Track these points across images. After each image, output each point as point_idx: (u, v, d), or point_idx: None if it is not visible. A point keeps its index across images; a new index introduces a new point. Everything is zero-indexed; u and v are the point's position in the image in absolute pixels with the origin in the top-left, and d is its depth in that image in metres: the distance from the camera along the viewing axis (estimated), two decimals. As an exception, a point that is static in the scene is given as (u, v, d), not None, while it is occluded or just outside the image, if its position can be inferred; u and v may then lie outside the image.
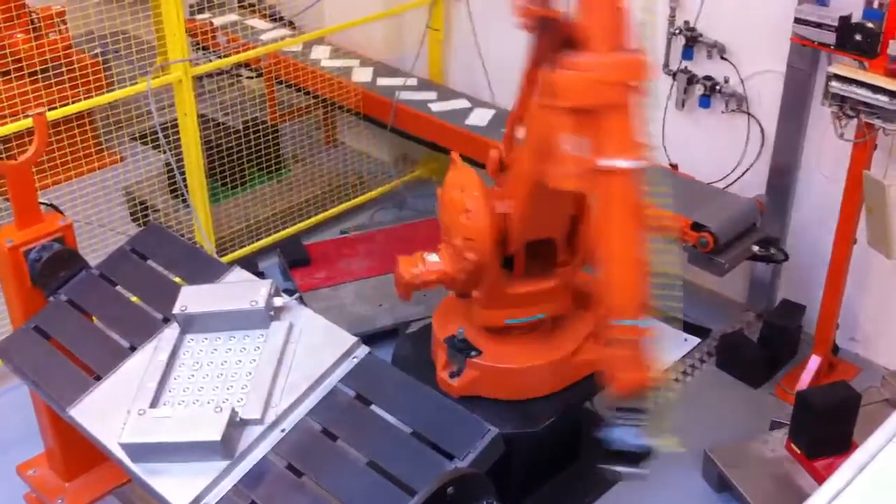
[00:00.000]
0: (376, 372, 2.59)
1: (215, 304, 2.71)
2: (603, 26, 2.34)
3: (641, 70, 2.36)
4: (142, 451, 2.43)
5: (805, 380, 4.01)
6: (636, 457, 2.58)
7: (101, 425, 2.57)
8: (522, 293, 3.21)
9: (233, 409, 2.41)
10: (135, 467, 2.44)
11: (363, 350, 2.62)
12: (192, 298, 2.72)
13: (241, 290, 2.75)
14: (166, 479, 2.40)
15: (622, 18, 2.36)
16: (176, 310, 2.69)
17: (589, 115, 2.34)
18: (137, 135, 5.46)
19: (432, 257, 3.18)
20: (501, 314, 3.25)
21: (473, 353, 3.26)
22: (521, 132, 3.11)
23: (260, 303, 2.66)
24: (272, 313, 2.69)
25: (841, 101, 3.57)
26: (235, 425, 2.41)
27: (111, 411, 2.57)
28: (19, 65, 4.91)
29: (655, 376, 2.54)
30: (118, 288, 3.00)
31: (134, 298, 2.99)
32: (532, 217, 3.07)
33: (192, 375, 2.61)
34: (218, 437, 2.35)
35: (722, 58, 4.20)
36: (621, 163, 2.36)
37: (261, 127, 5.11)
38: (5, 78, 4.81)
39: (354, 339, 2.63)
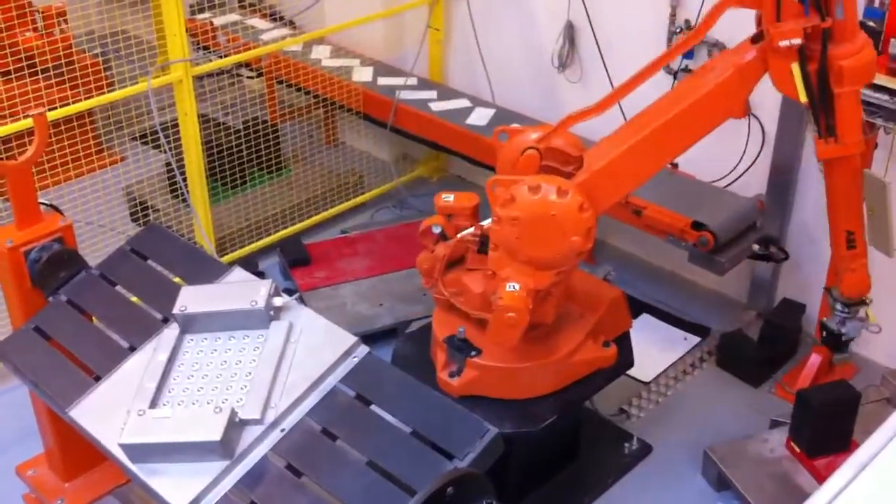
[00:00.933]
0: (376, 372, 2.59)
1: (215, 305, 2.71)
2: (856, 17, 2.92)
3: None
4: (141, 452, 2.43)
5: (805, 379, 4.00)
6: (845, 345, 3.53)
7: (100, 426, 2.57)
8: None
9: (232, 410, 2.41)
10: (134, 468, 2.44)
11: (363, 350, 2.62)
12: (192, 298, 2.72)
13: (240, 290, 2.75)
14: (165, 480, 2.40)
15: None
16: (176, 310, 2.69)
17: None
18: (138, 135, 5.46)
19: (513, 287, 3.05)
20: None
21: (473, 352, 3.25)
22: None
23: (260, 303, 2.65)
24: (272, 313, 2.68)
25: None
26: (235, 425, 2.41)
27: (111, 412, 2.57)
28: (20, 64, 4.92)
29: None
30: (118, 288, 3.00)
31: (134, 298, 2.99)
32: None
33: (192, 376, 2.61)
34: (217, 438, 2.35)
35: (717, 46, 4.20)
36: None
37: (261, 127, 5.11)
38: (5, 78, 4.82)
39: (354, 338, 2.63)
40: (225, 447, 2.37)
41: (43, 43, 5.06)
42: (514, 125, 3.42)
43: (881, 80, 3.42)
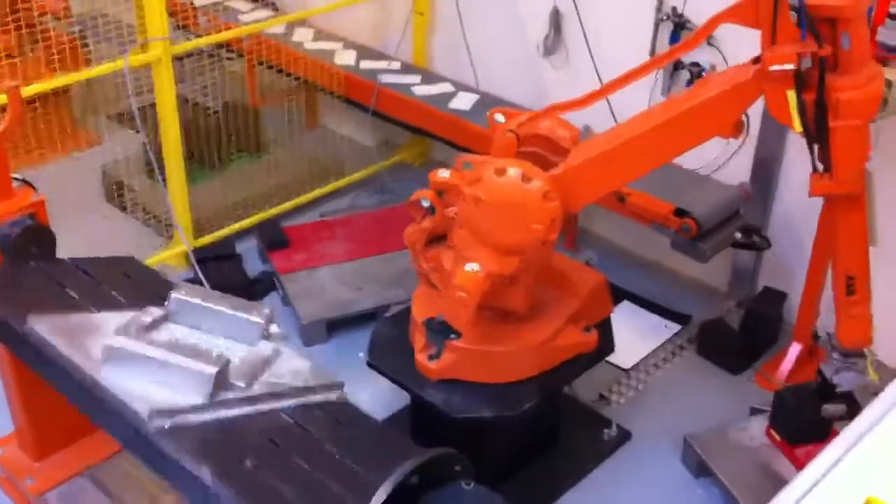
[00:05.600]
0: (353, 416, 2.53)
1: (212, 303, 2.63)
2: (866, 47, 2.78)
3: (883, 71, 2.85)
4: (122, 358, 2.38)
5: (785, 367, 4.00)
6: (850, 399, 3.25)
7: (65, 341, 2.51)
8: None
9: (228, 360, 2.38)
10: (103, 369, 2.38)
11: (344, 393, 2.57)
12: (190, 291, 2.66)
13: (241, 303, 2.66)
14: (133, 389, 2.36)
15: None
16: (171, 294, 2.61)
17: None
18: (115, 115, 5.39)
19: (472, 266, 3.02)
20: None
21: (452, 335, 3.21)
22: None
23: (257, 319, 2.58)
24: (265, 333, 2.61)
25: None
26: (226, 375, 2.38)
27: (81, 336, 2.51)
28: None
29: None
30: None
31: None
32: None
33: (178, 339, 2.55)
34: (213, 371, 2.31)
35: (709, 44, 4.18)
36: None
37: (241, 109, 5.04)
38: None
39: (340, 380, 2.58)
40: (214, 386, 2.34)
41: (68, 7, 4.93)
42: (511, 108, 3.38)
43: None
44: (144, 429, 2.29)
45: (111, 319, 2.63)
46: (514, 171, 2.96)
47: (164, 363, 2.37)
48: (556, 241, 3.07)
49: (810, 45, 2.69)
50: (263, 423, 2.37)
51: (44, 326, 2.61)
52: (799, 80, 2.72)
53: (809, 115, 2.77)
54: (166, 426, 2.30)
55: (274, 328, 2.63)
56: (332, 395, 2.54)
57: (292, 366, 2.56)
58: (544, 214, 2.96)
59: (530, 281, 3.23)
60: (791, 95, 2.75)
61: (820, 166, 2.89)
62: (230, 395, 2.41)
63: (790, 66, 2.71)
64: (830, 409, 3.27)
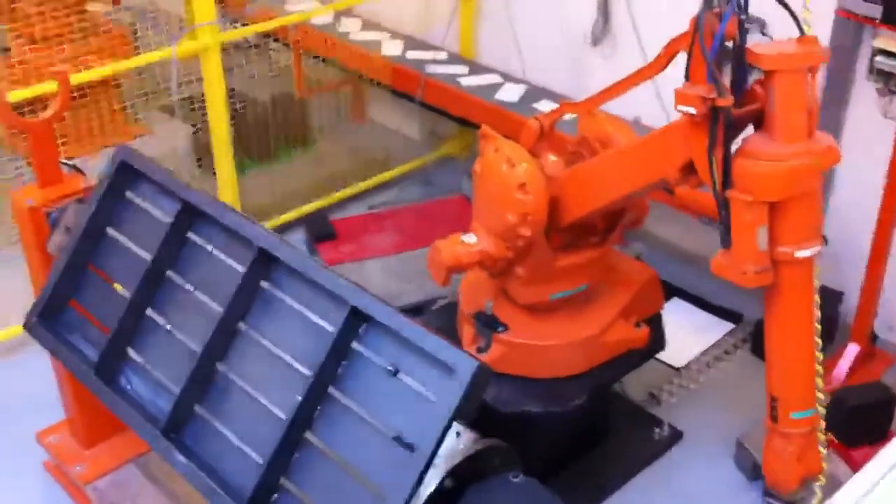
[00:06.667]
0: None
1: None
2: (799, 116, 2.32)
3: (837, 155, 2.39)
4: None
5: (842, 368, 3.89)
6: None
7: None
8: (566, 266, 3.11)
9: None
10: None
11: None
12: None
13: None
14: None
15: (814, 105, 2.35)
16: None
17: (779, 205, 2.35)
18: (166, 106, 5.41)
19: (469, 238, 3.03)
20: (544, 289, 3.14)
21: (500, 328, 3.17)
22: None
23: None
24: None
25: (886, 77, 3.46)
26: None
27: None
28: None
29: (818, 471, 2.61)
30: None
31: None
32: (593, 213, 3.04)
33: None
34: None
35: (763, 34, 4.06)
36: (809, 250, 2.41)
37: (288, 101, 5.04)
38: (32, 45, 4.77)
39: None
40: None
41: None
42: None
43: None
44: None
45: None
46: (506, 152, 2.93)
47: None
48: (539, 240, 2.96)
49: (710, 89, 2.32)
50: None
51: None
52: (711, 130, 2.35)
53: (718, 175, 2.38)
54: None
55: None
56: None
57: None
58: (516, 205, 2.89)
59: (539, 276, 3.10)
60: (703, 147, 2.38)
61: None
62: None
63: (691, 110, 2.35)
64: None
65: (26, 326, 3.01)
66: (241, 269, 2.58)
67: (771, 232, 2.38)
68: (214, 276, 2.68)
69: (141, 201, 2.92)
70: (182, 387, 2.58)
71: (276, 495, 2.36)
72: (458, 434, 2.22)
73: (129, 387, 2.77)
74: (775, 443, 2.57)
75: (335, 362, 2.34)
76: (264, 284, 2.58)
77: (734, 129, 2.37)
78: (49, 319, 2.97)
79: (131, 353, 2.81)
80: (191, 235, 2.78)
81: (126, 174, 2.95)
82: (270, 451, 2.33)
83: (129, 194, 2.95)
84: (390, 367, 2.22)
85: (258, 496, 2.33)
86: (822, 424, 2.53)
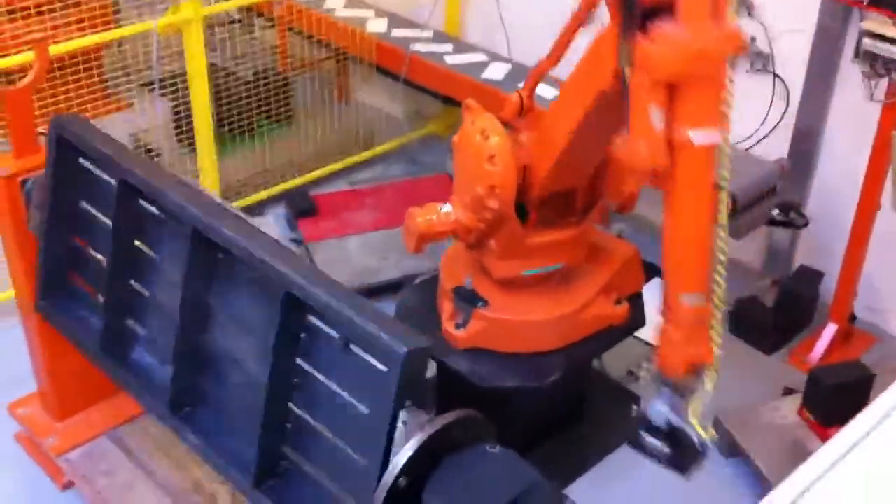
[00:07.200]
0: None
1: None
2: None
3: (741, 43, 2.31)
4: None
5: (820, 348, 3.91)
6: (675, 439, 2.52)
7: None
8: (541, 243, 3.09)
9: None
10: None
11: None
12: None
13: None
14: None
15: None
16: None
17: (677, 88, 2.26)
18: (146, 82, 5.36)
19: (446, 207, 3.05)
20: (518, 265, 3.12)
21: (480, 303, 3.16)
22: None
23: None
24: None
25: (873, 59, 3.46)
26: None
27: None
28: (26, 3, 4.79)
29: (706, 360, 2.49)
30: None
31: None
32: (558, 171, 2.97)
33: None
34: None
35: (749, 15, 4.06)
36: (705, 136, 2.28)
37: (272, 76, 4.99)
38: (11, 17, 4.71)
39: None
40: None
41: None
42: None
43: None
44: None
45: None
46: (481, 123, 2.93)
47: None
48: (508, 214, 2.94)
49: None
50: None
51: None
52: (622, 18, 2.28)
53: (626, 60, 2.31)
54: None
55: None
56: None
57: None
58: (485, 177, 2.90)
59: (512, 252, 3.08)
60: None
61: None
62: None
63: None
64: (650, 441, 2.59)
65: (38, 309, 3.00)
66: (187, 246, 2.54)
67: (669, 114, 2.29)
68: (173, 243, 2.65)
69: (94, 168, 2.86)
70: (174, 359, 2.58)
71: (283, 462, 2.39)
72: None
73: (137, 359, 2.79)
74: (666, 327, 2.49)
75: (292, 336, 2.34)
76: (220, 255, 2.55)
77: (642, 16, 2.28)
78: (53, 298, 2.97)
79: (131, 323, 2.81)
80: (142, 203, 2.72)
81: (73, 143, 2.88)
82: (261, 420, 2.34)
83: (82, 161, 2.88)
84: (340, 340, 2.21)
85: (264, 465, 2.36)
86: (717, 317, 2.45)
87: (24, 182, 2.94)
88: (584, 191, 3.15)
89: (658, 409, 2.51)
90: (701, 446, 2.51)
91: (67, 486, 3.24)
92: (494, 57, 4.88)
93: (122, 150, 2.79)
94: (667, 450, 2.54)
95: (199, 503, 3.04)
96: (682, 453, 2.53)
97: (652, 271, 4.32)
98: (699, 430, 2.45)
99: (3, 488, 3.31)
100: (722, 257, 2.41)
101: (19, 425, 3.38)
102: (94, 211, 2.86)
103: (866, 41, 3.46)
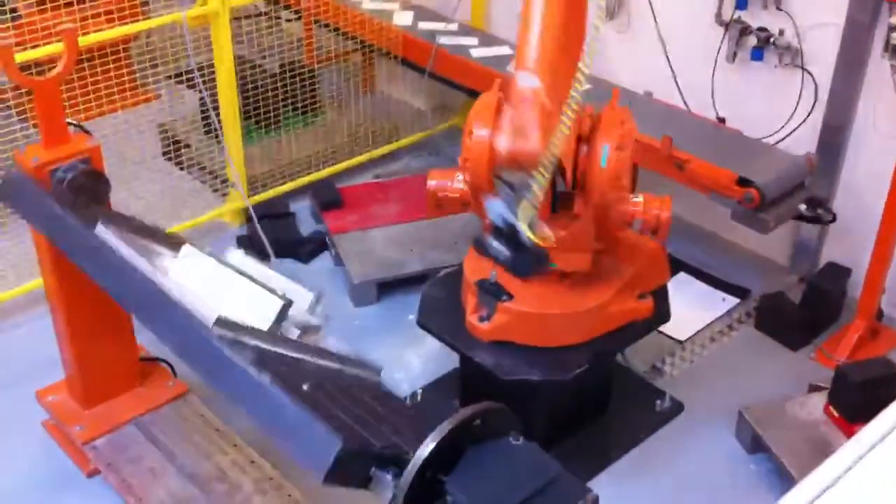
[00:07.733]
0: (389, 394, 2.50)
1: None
2: None
3: None
4: (190, 269, 2.47)
5: (847, 344, 3.87)
6: (517, 243, 2.47)
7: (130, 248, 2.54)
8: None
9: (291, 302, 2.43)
10: (170, 275, 2.43)
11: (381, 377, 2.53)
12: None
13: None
14: (197, 298, 2.36)
15: None
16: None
17: None
18: (173, 73, 5.39)
19: (460, 176, 3.15)
20: None
21: (505, 297, 3.15)
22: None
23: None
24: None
25: (903, 53, 3.43)
26: (286, 314, 2.43)
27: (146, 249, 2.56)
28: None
29: (533, 156, 2.43)
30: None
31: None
32: None
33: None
34: (280, 303, 2.37)
35: (778, 8, 4.03)
36: None
37: (298, 69, 5.01)
38: (41, 8, 4.75)
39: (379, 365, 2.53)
40: (276, 317, 2.39)
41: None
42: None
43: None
44: (208, 334, 2.25)
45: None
46: (479, 100, 3.02)
47: (232, 283, 2.36)
48: (478, 188, 2.97)
49: None
50: (314, 369, 2.34)
51: (111, 231, 2.61)
52: None
53: None
54: (229, 336, 2.25)
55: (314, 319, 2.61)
56: (372, 376, 2.50)
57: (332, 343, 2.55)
58: (463, 149, 2.97)
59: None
60: None
61: None
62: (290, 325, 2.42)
63: None
64: (493, 244, 2.54)
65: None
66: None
67: None
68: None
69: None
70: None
71: None
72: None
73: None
74: (506, 108, 2.53)
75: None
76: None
77: None
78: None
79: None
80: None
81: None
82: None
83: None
84: None
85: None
86: (564, 124, 2.33)
87: (53, 171, 2.97)
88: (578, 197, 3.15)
89: (493, 206, 2.49)
90: (539, 252, 2.48)
91: (93, 473, 3.27)
92: (520, 50, 4.87)
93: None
94: (507, 252, 2.52)
95: (223, 491, 3.06)
96: (521, 258, 2.51)
97: (677, 266, 4.32)
98: (527, 233, 2.41)
99: (30, 475, 3.35)
100: (585, 70, 2.29)
101: (47, 413, 3.42)
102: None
103: (895, 35, 3.43)
